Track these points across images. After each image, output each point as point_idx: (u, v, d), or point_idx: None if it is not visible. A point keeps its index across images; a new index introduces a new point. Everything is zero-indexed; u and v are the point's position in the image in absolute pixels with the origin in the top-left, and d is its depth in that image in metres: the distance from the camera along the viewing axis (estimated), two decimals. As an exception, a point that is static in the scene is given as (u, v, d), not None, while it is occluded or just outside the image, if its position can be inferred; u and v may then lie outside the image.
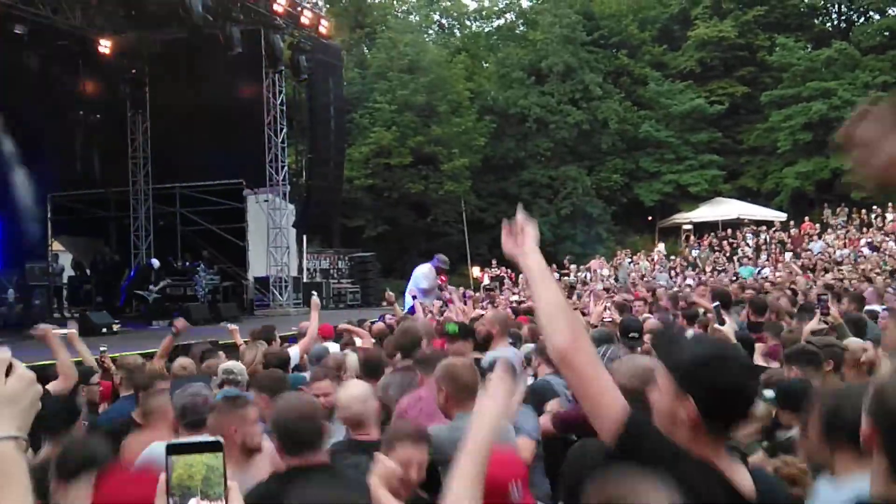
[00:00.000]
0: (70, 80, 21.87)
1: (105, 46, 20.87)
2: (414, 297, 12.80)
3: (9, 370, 1.53)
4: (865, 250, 24.72)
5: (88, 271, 22.60)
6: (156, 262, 21.23)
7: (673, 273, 26.70)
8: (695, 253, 29.62)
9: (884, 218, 28.13)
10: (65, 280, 21.61)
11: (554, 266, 29.61)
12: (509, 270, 29.34)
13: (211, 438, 1.50)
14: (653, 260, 29.22)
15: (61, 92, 21.66)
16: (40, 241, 22.30)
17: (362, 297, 26.45)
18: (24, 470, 1.48)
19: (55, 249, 23.88)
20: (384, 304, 22.22)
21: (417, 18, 43.69)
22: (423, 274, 13.87)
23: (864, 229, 27.84)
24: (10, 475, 1.45)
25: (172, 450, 1.44)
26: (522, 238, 2.46)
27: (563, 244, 36.37)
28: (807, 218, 30.12)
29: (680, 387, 2.16)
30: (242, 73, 21.48)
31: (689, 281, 23.45)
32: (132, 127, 23.27)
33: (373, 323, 10.48)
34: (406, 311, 13.01)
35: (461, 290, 20.20)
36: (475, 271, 30.53)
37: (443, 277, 14.04)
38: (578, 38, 38.48)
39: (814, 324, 7.06)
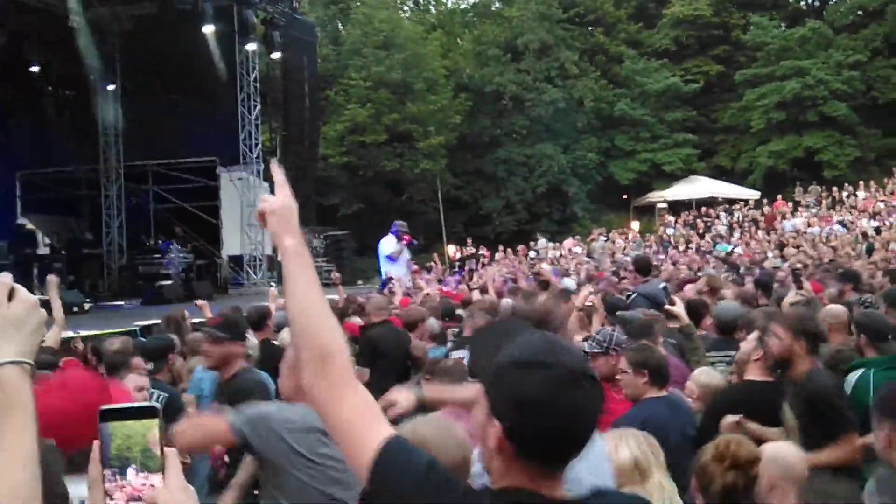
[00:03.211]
0: (40, 56, 21.49)
1: (75, 21, 20.49)
2: (390, 278, 12.79)
3: (11, 294, 1.50)
4: (837, 227, 24.99)
5: (63, 251, 22.37)
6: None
7: (648, 251, 26.84)
8: (669, 231, 29.80)
9: (855, 196, 28.44)
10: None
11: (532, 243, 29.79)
12: (486, 249, 29.42)
13: (146, 403, 1.46)
14: (627, 238, 29.40)
15: (30, 68, 21.31)
16: (9, 219, 22.02)
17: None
18: (29, 396, 1.44)
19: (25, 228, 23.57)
20: (359, 283, 22.24)
21: (392, -6, 43.34)
22: (387, 242, 13.98)
23: (836, 207, 28.14)
24: (13, 401, 1.42)
25: (106, 416, 1.40)
26: (269, 216, 2.04)
27: (539, 222, 36.46)
28: (780, 196, 30.37)
29: (489, 404, 1.72)
30: (215, 50, 21.18)
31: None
32: (102, 103, 22.91)
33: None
34: (379, 286, 13.04)
35: (438, 267, 20.26)
36: (451, 249, 30.53)
37: (406, 238, 14.07)
38: (554, 16, 38.36)
39: (791, 296, 7.20)
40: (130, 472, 1.39)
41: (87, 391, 2.73)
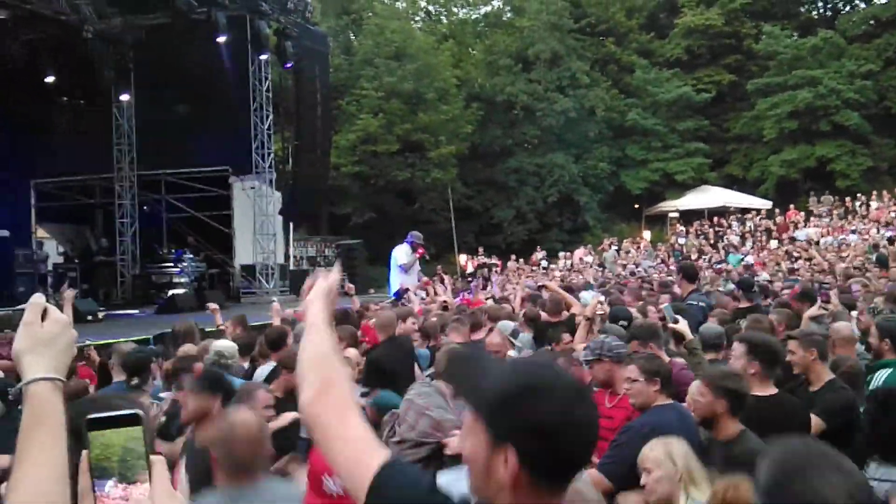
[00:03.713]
0: (54, 66, 21.67)
1: (89, 32, 20.68)
2: (406, 289, 12.76)
3: (44, 314, 1.56)
4: (852, 237, 24.85)
5: (77, 259, 22.54)
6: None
7: (659, 260, 26.80)
8: (681, 241, 29.72)
9: (868, 206, 28.30)
10: (49, 267, 21.50)
11: (543, 253, 29.78)
12: (497, 259, 29.41)
13: (129, 411, 1.45)
14: (639, 248, 29.35)
15: (45, 78, 21.49)
16: (25, 228, 22.20)
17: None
18: (60, 410, 1.49)
19: (39, 237, 23.74)
20: (371, 291, 22.28)
21: (404, 5, 43.44)
22: (401, 252, 13.95)
23: (849, 217, 28.01)
24: (44, 416, 1.46)
25: (91, 425, 1.41)
26: (313, 290, 2.13)
27: (550, 232, 36.46)
28: (792, 206, 30.26)
29: (494, 432, 1.66)
30: (228, 60, 21.29)
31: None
32: (116, 113, 23.07)
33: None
34: (392, 296, 13.03)
35: (443, 276, 20.28)
36: (462, 259, 30.55)
37: (420, 250, 14.07)
38: (565, 26, 38.41)
39: (814, 310, 7.22)
40: (108, 484, 1.39)
41: None
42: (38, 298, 1.58)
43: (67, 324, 1.58)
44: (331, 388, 1.85)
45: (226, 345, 6.34)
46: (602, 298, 8.61)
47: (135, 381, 6.02)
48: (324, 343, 1.97)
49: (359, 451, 1.73)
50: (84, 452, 1.40)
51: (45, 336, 1.54)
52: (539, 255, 29.84)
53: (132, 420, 1.43)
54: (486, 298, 13.30)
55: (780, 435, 2.04)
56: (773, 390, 4.69)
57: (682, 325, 5.90)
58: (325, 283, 2.14)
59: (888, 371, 5.26)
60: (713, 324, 6.76)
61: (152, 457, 1.42)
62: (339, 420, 1.79)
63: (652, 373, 4.45)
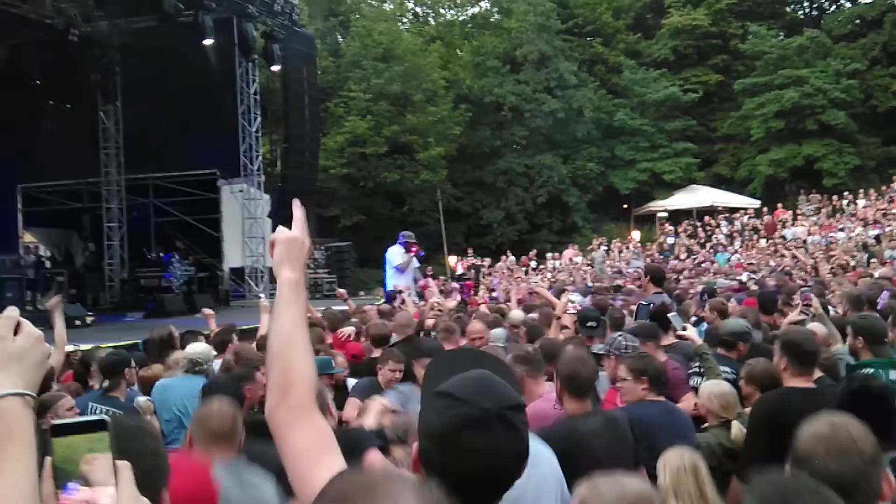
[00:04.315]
0: (40, 69, 21.54)
1: (75, 35, 20.56)
2: (399, 291, 12.73)
3: (17, 328, 1.53)
4: (840, 235, 24.94)
5: (64, 264, 22.43)
6: None
7: (648, 260, 26.85)
8: (670, 240, 29.79)
9: (855, 204, 28.42)
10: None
11: (532, 253, 29.80)
12: (486, 260, 29.42)
13: (95, 417, 1.46)
14: (628, 248, 29.40)
15: (31, 82, 21.37)
16: (11, 233, 22.06)
17: (339, 287, 26.33)
18: (30, 427, 1.46)
19: (26, 241, 23.62)
20: (361, 293, 22.23)
21: (391, 7, 43.44)
22: (393, 253, 13.93)
23: (836, 216, 28.12)
24: (12, 432, 1.43)
25: (55, 431, 1.41)
26: (275, 246, 2.09)
27: (540, 233, 36.50)
28: (780, 205, 30.38)
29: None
30: (215, 62, 21.22)
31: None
32: (104, 117, 22.97)
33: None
34: (384, 298, 13.03)
35: (439, 279, 20.26)
36: (452, 260, 30.52)
37: (413, 248, 14.06)
38: (553, 27, 38.48)
39: (794, 315, 7.20)
40: (72, 485, 1.38)
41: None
42: (11, 311, 1.54)
43: (40, 338, 1.55)
44: (290, 391, 1.86)
45: (199, 350, 6.27)
46: (574, 298, 8.71)
47: (105, 382, 5.97)
48: (289, 321, 1.96)
49: (304, 464, 1.76)
50: (47, 459, 1.41)
51: (17, 351, 1.50)
52: (531, 254, 29.80)
53: (97, 426, 1.43)
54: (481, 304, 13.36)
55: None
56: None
57: (691, 332, 6.05)
58: (289, 234, 2.10)
59: (870, 371, 5.19)
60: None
61: (118, 462, 1.42)
62: (294, 428, 1.81)
63: (639, 371, 4.57)
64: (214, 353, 6.67)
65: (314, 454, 1.78)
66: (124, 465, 1.43)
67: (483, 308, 10.88)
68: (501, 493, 1.73)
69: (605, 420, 4.07)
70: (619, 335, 5.52)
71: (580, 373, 4.06)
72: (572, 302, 7.93)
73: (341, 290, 13.35)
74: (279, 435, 1.83)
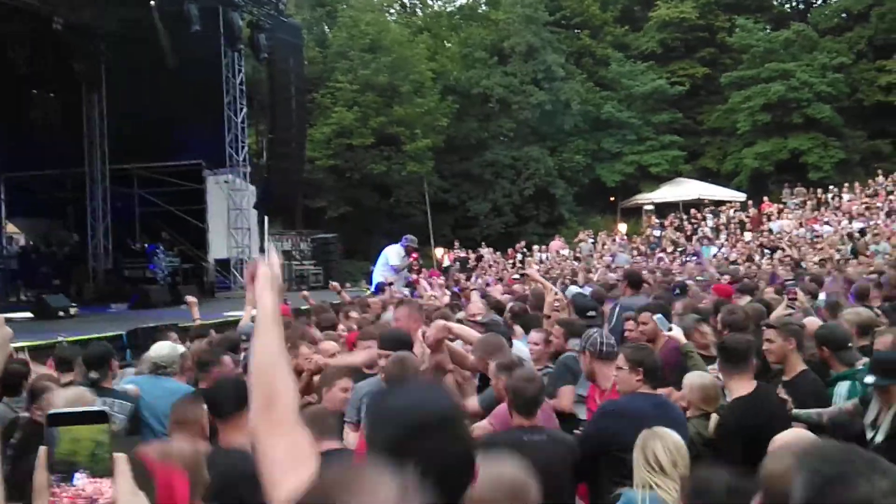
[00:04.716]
0: (24, 58, 21.35)
1: (59, 24, 20.37)
2: (388, 283, 12.77)
3: None
4: (826, 228, 25.10)
5: (48, 254, 22.24)
6: None
7: (635, 253, 26.95)
8: (656, 233, 29.89)
9: (840, 198, 28.59)
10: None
11: (520, 244, 29.85)
12: (472, 252, 29.45)
13: (96, 408, 1.45)
14: (614, 241, 29.48)
15: (15, 71, 21.17)
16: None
17: (325, 278, 26.28)
18: None
19: (10, 231, 23.45)
20: (347, 285, 22.13)
21: (379, -3, 43.32)
22: (394, 252, 14.03)
23: (822, 209, 28.29)
24: None
25: (55, 420, 1.39)
26: (258, 278, 2.15)
27: (527, 225, 36.53)
28: (765, 198, 30.52)
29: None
30: (201, 52, 21.06)
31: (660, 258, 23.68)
32: (88, 106, 22.78)
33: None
34: (372, 290, 13.05)
35: (428, 272, 20.23)
36: (438, 252, 30.53)
37: (414, 255, 14.27)
38: (541, 19, 38.44)
39: (780, 310, 7.26)
40: (79, 476, 1.37)
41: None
42: None
43: (0, 322, 1.55)
44: (273, 404, 1.96)
45: (160, 353, 6.19)
46: (557, 293, 8.81)
47: (93, 374, 5.87)
48: (272, 345, 2.05)
49: (277, 474, 1.84)
50: (41, 448, 1.39)
51: None
52: (518, 246, 29.91)
53: (99, 417, 1.42)
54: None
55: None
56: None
57: (677, 332, 6.12)
58: (270, 270, 2.17)
59: (847, 384, 5.24)
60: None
61: (116, 454, 1.41)
62: (274, 440, 1.90)
63: (636, 363, 4.58)
64: (182, 349, 6.61)
65: (288, 464, 1.85)
66: (121, 458, 1.42)
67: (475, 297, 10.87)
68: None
69: (550, 439, 4.25)
70: (595, 331, 5.56)
71: (526, 391, 4.26)
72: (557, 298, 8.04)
73: (335, 283, 13.41)
74: (259, 443, 1.92)
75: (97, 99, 22.65)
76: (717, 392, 4.96)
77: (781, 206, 29.21)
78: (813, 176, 33.89)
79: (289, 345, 5.16)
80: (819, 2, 41.95)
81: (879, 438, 4.36)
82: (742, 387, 4.68)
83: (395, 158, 33.78)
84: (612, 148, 38.18)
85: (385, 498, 1.35)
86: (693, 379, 5.09)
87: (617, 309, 8.12)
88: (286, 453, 1.89)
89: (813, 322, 6.47)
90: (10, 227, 23.77)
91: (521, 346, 6.36)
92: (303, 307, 11.09)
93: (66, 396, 4.37)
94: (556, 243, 29.86)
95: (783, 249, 19.84)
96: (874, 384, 4.51)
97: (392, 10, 44.22)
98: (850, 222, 24.95)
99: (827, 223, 25.77)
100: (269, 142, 23.31)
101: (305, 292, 11.74)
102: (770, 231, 26.21)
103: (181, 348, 6.57)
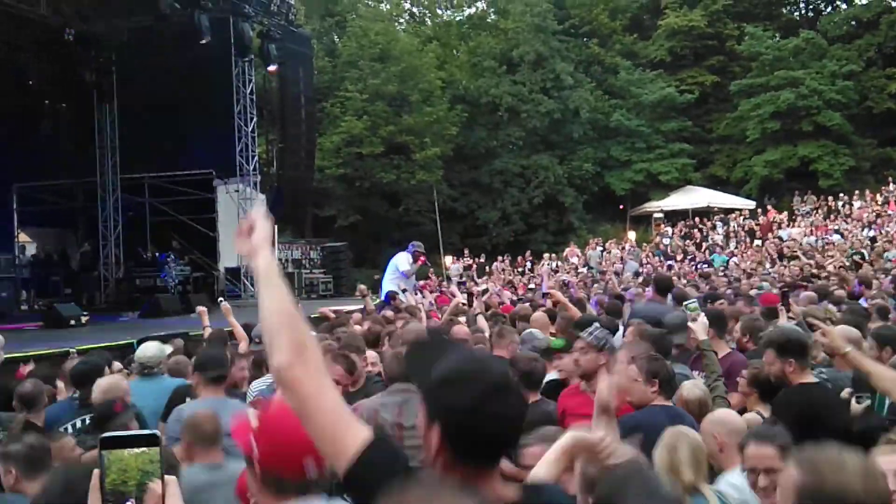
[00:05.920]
0: (36, 69, 21.52)
1: (71, 35, 20.54)
2: (401, 291, 12.78)
3: None
4: (836, 237, 25.01)
5: (60, 264, 22.40)
6: None
7: (644, 261, 26.89)
8: (666, 241, 29.83)
9: (851, 205, 28.49)
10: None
11: (529, 253, 29.85)
12: (479, 260, 29.45)
13: (148, 432, 1.47)
14: (623, 249, 29.43)
15: (27, 81, 21.34)
16: (6, 232, 22.01)
17: (335, 287, 26.36)
18: None
19: (22, 241, 23.57)
20: (357, 295, 22.17)
21: (388, 7, 43.43)
22: (403, 259, 14.08)
23: (832, 217, 28.19)
24: None
25: (106, 444, 1.41)
26: (253, 234, 2.13)
27: (536, 233, 36.51)
28: (769, 206, 30.41)
29: (427, 411, 1.91)
30: (211, 62, 21.18)
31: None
32: (99, 116, 22.92)
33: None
34: (383, 299, 13.08)
35: (438, 280, 20.28)
36: (448, 261, 30.55)
37: (422, 258, 14.32)
38: (549, 27, 38.48)
39: (783, 321, 7.22)
40: None
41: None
42: None
43: None
44: (304, 351, 1.91)
45: (147, 354, 6.21)
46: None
47: (76, 394, 5.67)
48: (284, 299, 2.00)
49: (341, 424, 1.87)
50: (95, 472, 1.41)
51: None
52: (527, 255, 29.93)
53: (149, 440, 1.44)
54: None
55: None
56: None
57: (697, 326, 5.90)
58: (266, 225, 2.14)
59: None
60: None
61: (167, 477, 1.43)
62: (317, 389, 1.88)
63: (652, 374, 4.53)
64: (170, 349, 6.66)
65: (344, 415, 1.90)
66: (172, 481, 1.44)
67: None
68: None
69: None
70: (596, 327, 5.43)
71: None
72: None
73: (362, 286, 13.59)
74: (302, 392, 1.87)
75: (108, 109, 22.80)
76: (705, 410, 4.87)
77: (797, 216, 29.10)
78: (823, 184, 33.77)
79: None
80: (828, 10, 41.84)
81: None
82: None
83: (405, 167, 33.84)
84: (622, 156, 38.11)
85: None
86: (683, 392, 4.99)
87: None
88: (337, 404, 1.90)
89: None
90: (22, 237, 23.88)
91: None
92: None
93: (101, 386, 4.58)
94: (570, 250, 29.90)
95: (799, 258, 19.72)
96: None
97: (401, 20, 44.37)
98: (862, 230, 24.87)
99: (837, 231, 25.68)
100: (279, 151, 23.42)
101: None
102: (780, 239, 26.13)
103: (168, 348, 6.65)
